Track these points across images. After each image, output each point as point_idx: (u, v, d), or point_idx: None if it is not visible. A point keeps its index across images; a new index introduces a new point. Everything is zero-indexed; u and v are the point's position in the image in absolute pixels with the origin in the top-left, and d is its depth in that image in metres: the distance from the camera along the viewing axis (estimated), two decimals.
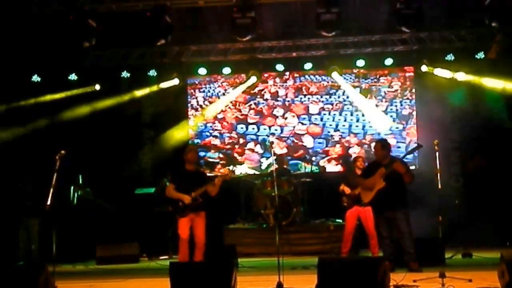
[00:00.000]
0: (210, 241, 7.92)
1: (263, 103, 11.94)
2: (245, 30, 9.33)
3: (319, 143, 11.70)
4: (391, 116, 11.55)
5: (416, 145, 8.39)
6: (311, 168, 11.34)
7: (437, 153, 6.75)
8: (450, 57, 10.89)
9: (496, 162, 10.42)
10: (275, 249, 6.36)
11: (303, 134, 11.76)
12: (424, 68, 11.04)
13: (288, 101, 11.89)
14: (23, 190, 9.51)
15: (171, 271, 5.81)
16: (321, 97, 11.81)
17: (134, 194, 10.59)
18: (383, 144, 8.03)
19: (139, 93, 11.51)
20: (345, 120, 11.70)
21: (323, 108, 11.79)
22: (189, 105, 11.97)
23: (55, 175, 6.48)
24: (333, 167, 11.62)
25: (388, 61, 11.24)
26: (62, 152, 6.59)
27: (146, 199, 10.43)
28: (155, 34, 9.49)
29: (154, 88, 11.56)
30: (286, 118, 11.85)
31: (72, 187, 10.23)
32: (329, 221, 10.50)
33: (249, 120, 11.92)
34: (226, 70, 11.68)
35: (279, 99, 11.92)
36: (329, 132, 11.69)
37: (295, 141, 11.74)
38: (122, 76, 11.43)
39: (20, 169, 10.20)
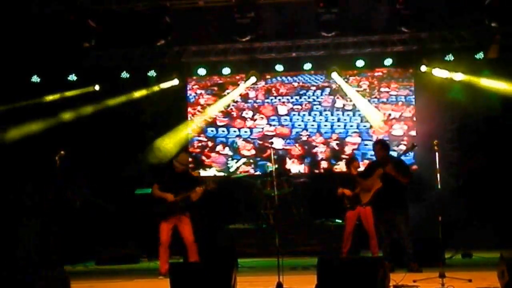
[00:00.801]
0: (210, 241, 7.93)
1: (232, 105, 11.98)
2: (245, 30, 9.34)
3: (288, 143, 11.80)
4: (359, 114, 11.68)
5: (411, 145, 8.45)
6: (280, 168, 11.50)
7: (436, 153, 6.74)
8: (449, 57, 10.89)
9: (496, 162, 10.42)
10: (275, 249, 6.35)
11: (271, 136, 11.81)
12: (423, 68, 11.03)
13: (258, 102, 11.95)
14: (23, 190, 9.52)
15: (171, 271, 5.82)
16: (291, 97, 11.90)
17: (134, 194, 10.58)
18: (382, 145, 8.05)
19: (139, 93, 11.50)
20: (314, 120, 11.80)
21: (292, 109, 11.87)
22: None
23: (55, 176, 6.48)
24: (295, 167, 11.69)
25: (388, 61, 11.24)
26: (62, 152, 6.60)
27: (146, 199, 10.42)
28: (155, 34, 9.49)
29: (154, 88, 11.56)
30: (255, 120, 11.90)
31: (72, 188, 10.21)
32: (329, 221, 10.51)
33: (218, 123, 11.96)
34: (226, 70, 11.69)
35: (249, 101, 11.97)
36: (297, 132, 11.79)
37: (260, 142, 11.79)
38: (122, 76, 11.42)
39: (20, 170, 10.20)
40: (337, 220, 10.26)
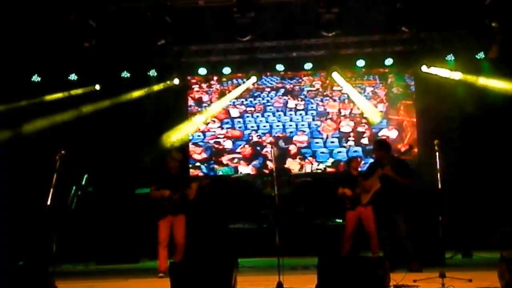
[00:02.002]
0: (210, 241, 7.95)
1: (186, 110, 11.99)
2: (245, 30, 9.34)
3: (240, 145, 11.88)
4: (311, 114, 11.84)
5: (409, 147, 8.65)
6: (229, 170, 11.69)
7: (437, 153, 6.73)
8: (450, 57, 10.91)
9: (497, 161, 10.41)
10: (275, 249, 6.35)
11: (224, 138, 11.89)
12: (424, 68, 11.04)
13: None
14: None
15: (171, 271, 5.82)
16: (245, 100, 11.96)
17: (134, 194, 10.58)
18: (380, 144, 8.06)
19: (139, 93, 11.50)
20: (266, 121, 11.92)
21: (245, 111, 11.96)
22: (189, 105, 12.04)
23: (55, 175, 6.48)
24: (244, 168, 11.78)
25: (388, 61, 11.25)
26: (62, 152, 6.60)
27: (146, 199, 10.41)
28: (155, 34, 9.49)
29: (155, 87, 11.57)
30: (207, 124, 11.93)
31: (74, 188, 10.20)
32: (329, 221, 10.51)
33: None
34: (226, 70, 11.70)
35: (203, 104, 11.99)
36: (249, 134, 11.87)
37: (215, 145, 11.85)
38: (122, 76, 11.43)
39: (20, 169, 10.20)
40: (337, 220, 10.26)
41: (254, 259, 9.36)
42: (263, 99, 11.98)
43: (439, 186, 6.66)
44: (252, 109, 11.96)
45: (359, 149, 11.59)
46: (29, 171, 10.05)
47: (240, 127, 11.93)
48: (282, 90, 11.96)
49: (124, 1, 9.57)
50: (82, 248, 9.79)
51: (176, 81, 11.61)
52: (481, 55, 10.77)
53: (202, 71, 11.67)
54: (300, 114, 11.87)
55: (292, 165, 11.62)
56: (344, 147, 11.61)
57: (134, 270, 8.83)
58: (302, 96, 11.90)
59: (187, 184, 7.87)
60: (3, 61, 10.13)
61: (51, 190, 6.40)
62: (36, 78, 11.09)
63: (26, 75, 10.98)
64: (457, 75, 10.78)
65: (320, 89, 11.89)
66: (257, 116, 11.94)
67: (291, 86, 11.93)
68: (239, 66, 11.66)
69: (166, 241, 7.81)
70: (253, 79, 11.64)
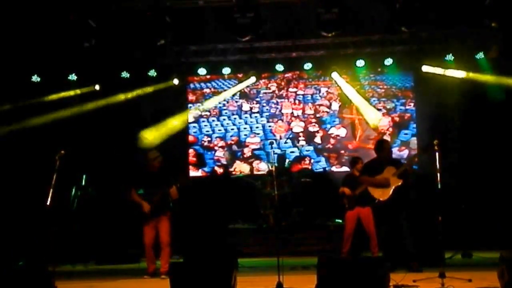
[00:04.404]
0: (210, 241, 7.94)
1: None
2: (245, 30, 9.34)
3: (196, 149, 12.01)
4: (266, 116, 11.97)
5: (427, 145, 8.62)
6: None
7: (437, 153, 6.74)
8: (450, 57, 10.91)
9: (497, 161, 10.41)
10: (275, 249, 6.35)
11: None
12: (424, 68, 11.05)
13: None
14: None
15: (171, 271, 5.82)
16: (202, 104, 12.03)
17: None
18: (388, 144, 8.12)
19: (139, 93, 11.50)
20: (221, 125, 12.01)
21: (201, 116, 12.03)
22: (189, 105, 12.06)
23: (55, 175, 6.49)
24: (193, 172, 11.86)
25: (388, 61, 11.26)
26: (62, 152, 6.60)
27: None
28: (155, 34, 9.49)
29: (154, 88, 11.57)
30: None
31: (74, 188, 10.19)
32: (329, 221, 10.52)
33: None
34: (226, 70, 11.72)
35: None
36: (203, 138, 11.98)
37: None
38: (122, 76, 11.43)
39: (19, 169, 10.20)
40: (337, 220, 10.27)
41: (254, 259, 9.36)
42: (219, 103, 12.05)
43: (439, 186, 6.66)
44: (208, 113, 12.04)
45: (311, 148, 11.74)
46: (29, 171, 10.04)
47: (194, 132, 11.97)
48: (237, 93, 12.03)
49: (124, 1, 9.57)
50: (82, 248, 9.77)
51: (176, 81, 11.62)
52: (480, 55, 10.78)
53: (202, 71, 11.69)
54: (255, 117, 11.98)
55: (243, 167, 11.72)
56: (297, 147, 11.75)
57: (134, 270, 8.82)
58: (258, 99, 11.99)
59: (169, 182, 7.78)
60: (3, 61, 10.13)
61: (51, 190, 6.40)
62: (36, 78, 11.09)
63: (26, 75, 10.98)
64: (456, 75, 10.78)
65: (276, 91, 12.01)
66: (213, 120, 12.03)
67: (248, 89, 12.00)
68: (239, 66, 11.67)
69: (150, 245, 7.89)
70: (253, 79, 11.65)
